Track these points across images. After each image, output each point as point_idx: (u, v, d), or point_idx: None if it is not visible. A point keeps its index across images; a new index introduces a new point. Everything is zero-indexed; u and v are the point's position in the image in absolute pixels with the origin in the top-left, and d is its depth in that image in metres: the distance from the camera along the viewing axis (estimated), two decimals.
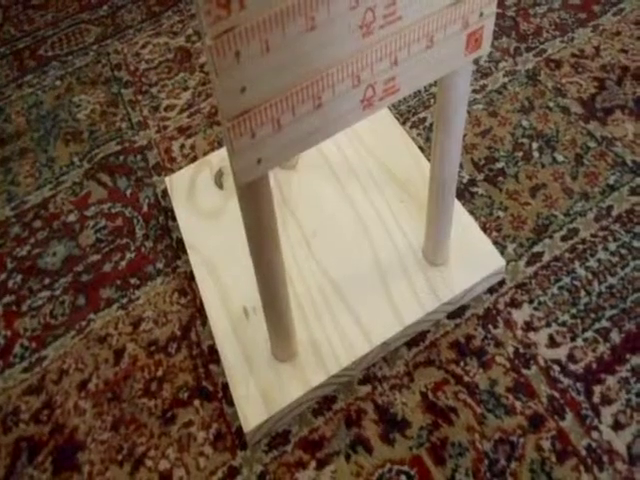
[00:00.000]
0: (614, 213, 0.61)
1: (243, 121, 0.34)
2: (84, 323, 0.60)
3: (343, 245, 0.58)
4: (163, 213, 0.68)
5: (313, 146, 0.37)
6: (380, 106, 0.38)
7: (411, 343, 0.54)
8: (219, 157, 0.68)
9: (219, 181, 0.66)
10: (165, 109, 0.78)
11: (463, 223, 0.58)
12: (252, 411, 0.49)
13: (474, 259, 0.56)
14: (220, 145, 0.73)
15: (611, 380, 0.51)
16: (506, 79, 0.74)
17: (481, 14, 0.38)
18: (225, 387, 0.53)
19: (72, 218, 0.69)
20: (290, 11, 0.30)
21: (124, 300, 0.61)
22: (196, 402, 0.53)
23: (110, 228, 0.67)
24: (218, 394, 0.54)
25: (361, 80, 0.36)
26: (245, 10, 0.29)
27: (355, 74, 0.36)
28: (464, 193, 0.64)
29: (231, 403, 0.52)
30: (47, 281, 0.64)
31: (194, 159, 0.72)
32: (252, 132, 0.35)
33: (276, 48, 0.31)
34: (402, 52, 0.36)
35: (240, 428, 0.51)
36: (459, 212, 0.59)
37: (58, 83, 0.84)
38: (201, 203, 0.64)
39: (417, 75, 0.39)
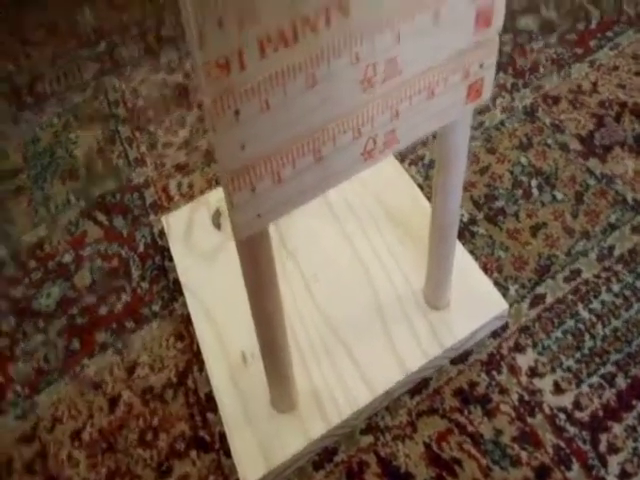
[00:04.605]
0: (616, 253, 0.60)
1: (242, 175, 0.33)
2: (78, 368, 0.59)
3: (344, 289, 0.57)
4: (160, 253, 0.67)
5: (314, 199, 0.37)
6: (381, 157, 0.38)
7: (414, 391, 0.53)
8: (216, 196, 0.67)
9: (217, 221, 0.65)
10: (163, 146, 0.78)
11: (464, 265, 0.57)
12: (250, 466, 0.47)
13: (477, 303, 0.55)
14: (218, 183, 0.72)
15: (617, 428, 0.50)
16: (504, 115, 0.74)
17: (481, 65, 0.38)
18: (223, 437, 0.52)
19: (68, 258, 0.68)
20: (291, 69, 0.30)
21: (119, 344, 0.60)
22: (193, 453, 0.52)
23: (106, 269, 0.66)
24: (215, 445, 0.52)
25: (362, 133, 0.36)
26: (245, 71, 0.29)
27: (356, 128, 0.35)
28: (464, 232, 0.63)
29: (229, 454, 0.51)
30: (41, 324, 0.63)
31: (192, 197, 0.71)
32: (252, 186, 0.34)
33: (276, 106, 0.31)
34: (403, 104, 0.36)
35: None
36: (460, 253, 0.58)
37: (55, 120, 0.83)
38: (198, 244, 0.63)
39: (417, 126, 0.38)
